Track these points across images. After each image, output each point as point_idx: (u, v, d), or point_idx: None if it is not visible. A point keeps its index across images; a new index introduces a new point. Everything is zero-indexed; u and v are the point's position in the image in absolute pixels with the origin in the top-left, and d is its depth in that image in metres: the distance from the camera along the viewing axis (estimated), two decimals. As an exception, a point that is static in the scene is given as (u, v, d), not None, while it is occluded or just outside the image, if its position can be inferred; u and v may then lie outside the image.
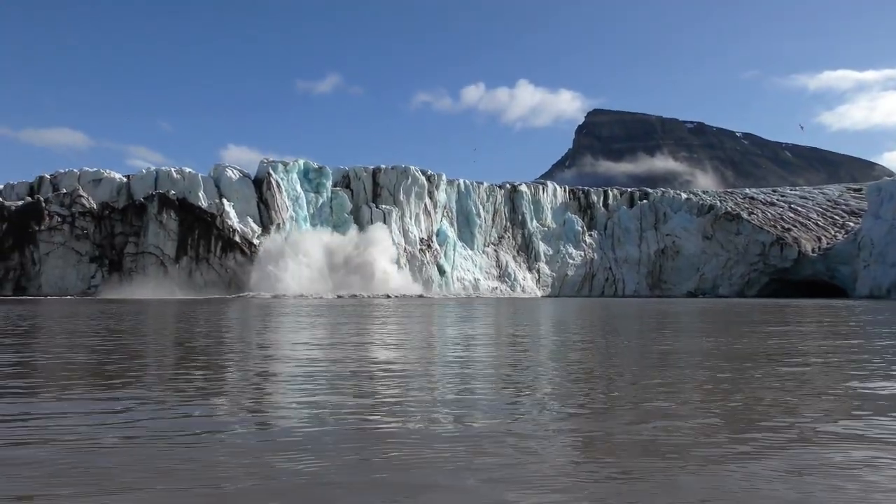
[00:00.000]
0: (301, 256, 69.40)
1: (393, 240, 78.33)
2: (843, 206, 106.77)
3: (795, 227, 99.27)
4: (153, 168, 73.58)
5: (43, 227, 65.33)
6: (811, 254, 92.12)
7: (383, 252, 74.65)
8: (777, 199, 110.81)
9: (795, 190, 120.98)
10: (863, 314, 29.35)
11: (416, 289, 72.87)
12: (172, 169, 72.31)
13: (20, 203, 66.58)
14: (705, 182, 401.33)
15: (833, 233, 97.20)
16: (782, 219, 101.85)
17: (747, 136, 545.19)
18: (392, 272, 74.23)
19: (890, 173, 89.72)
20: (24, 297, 58.78)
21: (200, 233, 68.22)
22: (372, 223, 79.51)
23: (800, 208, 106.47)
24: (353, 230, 77.18)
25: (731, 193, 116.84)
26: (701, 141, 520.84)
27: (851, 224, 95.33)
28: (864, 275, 77.60)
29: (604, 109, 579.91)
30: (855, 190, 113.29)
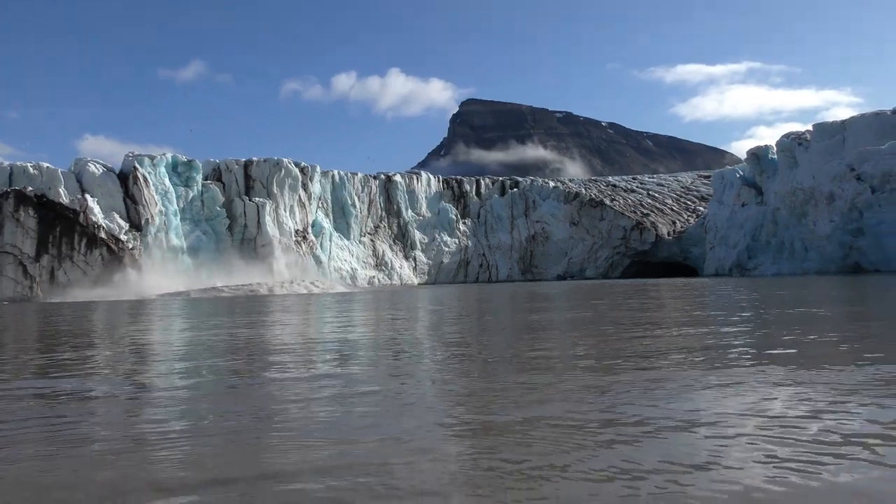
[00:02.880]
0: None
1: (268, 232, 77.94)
2: (695, 193, 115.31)
3: (653, 212, 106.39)
4: (7, 163, 69.49)
5: None
6: (667, 237, 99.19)
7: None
8: (637, 187, 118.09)
9: (654, 177, 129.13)
10: (694, 288, 32.89)
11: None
12: (29, 164, 68.63)
13: None
14: (574, 170, 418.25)
15: (686, 217, 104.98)
16: (641, 205, 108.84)
17: (612, 125, 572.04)
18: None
19: (738, 160, 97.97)
20: None
21: (63, 230, 65.20)
22: (245, 216, 78.62)
23: (657, 194, 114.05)
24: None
25: (596, 181, 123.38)
26: (569, 130, 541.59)
27: (702, 209, 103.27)
28: (710, 256, 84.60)
29: (477, 99, 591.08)
30: (705, 177, 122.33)
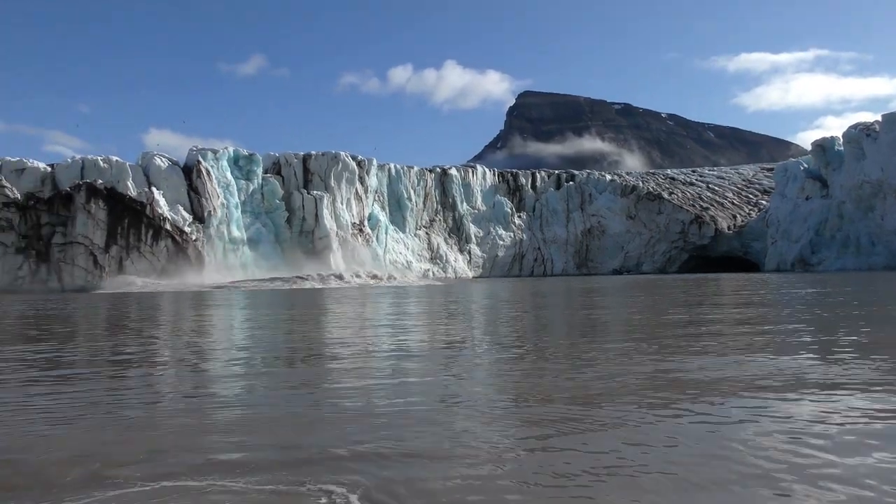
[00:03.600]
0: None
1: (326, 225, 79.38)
2: (757, 186, 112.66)
3: (713, 206, 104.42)
4: (78, 157, 72.41)
5: (-35, 220, 63.86)
6: (727, 231, 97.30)
7: None
8: (696, 180, 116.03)
9: (714, 170, 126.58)
10: (761, 286, 32.36)
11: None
12: (99, 158, 71.38)
13: (-61, 194, 64.82)
14: (632, 162, 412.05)
15: (747, 211, 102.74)
16: (700, 198, 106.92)
17: (672, 116, 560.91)
18: None
19: (804, 152, 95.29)
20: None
21: (130, 222, 67.78)
22: (304, 209, 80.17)
23: (717, 188, 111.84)
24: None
25: (654, 174, 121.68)
26: (628, 122, 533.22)
27: (764, 202, 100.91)
28: (771, 250, 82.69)
29: (534, 91, 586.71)
30: (768, 170, 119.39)
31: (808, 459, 3.92)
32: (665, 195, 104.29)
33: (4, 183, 66.40)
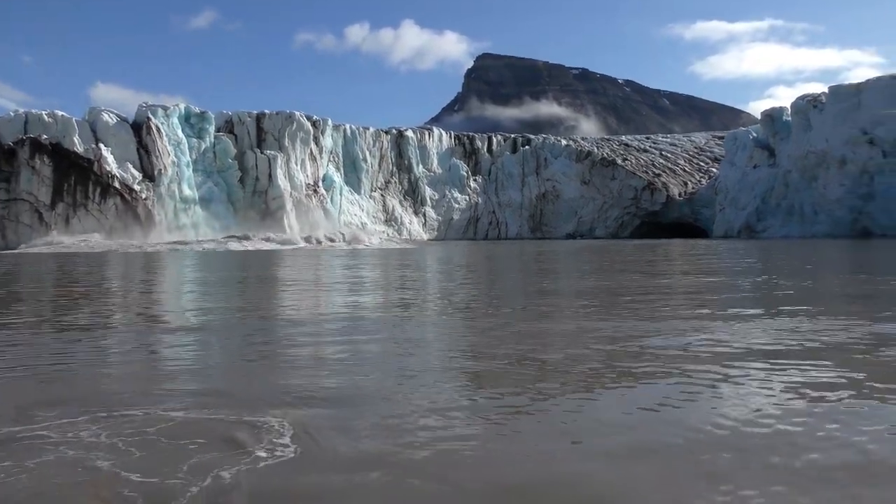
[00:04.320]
0: None
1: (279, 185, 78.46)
2: (708, 153, 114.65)
3: (665, 172, 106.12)
4: (22, 111, 69.99)
5: None
6: (678, 198, 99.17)
7: None
8: (649, 146, 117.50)
9: (667, 137, 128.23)
10: (703, 251, 33.32)
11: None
12: (44, 112, 69.05)
13: None
14: (589, 127, 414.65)
15: (698, 178, 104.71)
16: (653, 165, 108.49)
17: (629, 83, 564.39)
18: None
19: (755, 121, 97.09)
20: None
21: (77, 179, 65.99)
22: (257, 169, 79.07)
23: (669, 155, 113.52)
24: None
25: (608, 140, 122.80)
26: (585, 87, 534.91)
27: (714, 170, 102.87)
28: (719, 217, 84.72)
29: (492, 54, 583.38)
30: (719, 138, 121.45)
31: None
32: (619, 161, 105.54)
33: (-57, 136, 63.96)
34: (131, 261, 32.32)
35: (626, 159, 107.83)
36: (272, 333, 8.11)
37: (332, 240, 62.74)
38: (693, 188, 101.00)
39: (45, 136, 66.40)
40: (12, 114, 69.92)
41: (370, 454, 3.47)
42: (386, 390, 4.89)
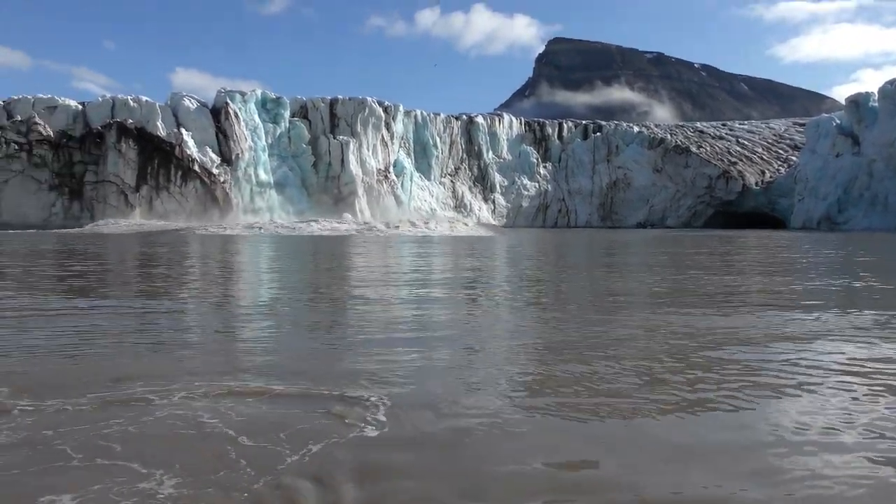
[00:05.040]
0: None
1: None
2: (788, 141, 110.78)
3: (741, 160, 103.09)
4: (109, 96, 73.26)
5: (0, 155, 65.26)
6: (754, 187, 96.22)
7: None
8: (725, 133, 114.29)
9: (744, 124, 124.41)
10: (782, 246, 32.51)
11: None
12: (129, 97, 72.08)
13: (-26, 131, 66.18)
14: (662, 113, 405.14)
15: (776, 167, 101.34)
16: (729, 152, 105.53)
17: (705, 67, 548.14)
18: None
19: (839, 107, 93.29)
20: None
21: (160, 162, 68.87)
22: (330, 154, 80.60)
23: (746, 142, 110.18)
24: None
25: (682, 127, 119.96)
26: (659, 72, 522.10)
27: (794, 158, 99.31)
28: (798, 207, 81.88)
29: (564, 38, 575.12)
30: (800, 125, 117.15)
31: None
32: (693, 148, 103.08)
33: (38, 120, 67.51)
34: (213, 242, 33.68)
35: (701, 147, 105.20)
36: (354, 315, 8.56)
37: (400, 225, 63.48)
38: (771, 177, 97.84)
39: (130, 121, 69.33)
40: (100, 98, 73.22)
41: (456, 429, 3.80)
42: (460, 372, 5.23)
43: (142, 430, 3.75)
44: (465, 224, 63.91)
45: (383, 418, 3.98)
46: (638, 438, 3.75)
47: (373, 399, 4.32)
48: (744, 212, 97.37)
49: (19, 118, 67.60)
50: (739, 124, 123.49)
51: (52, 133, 67.68)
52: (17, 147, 66.20)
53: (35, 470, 3.23)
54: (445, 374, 5.26)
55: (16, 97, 70.89)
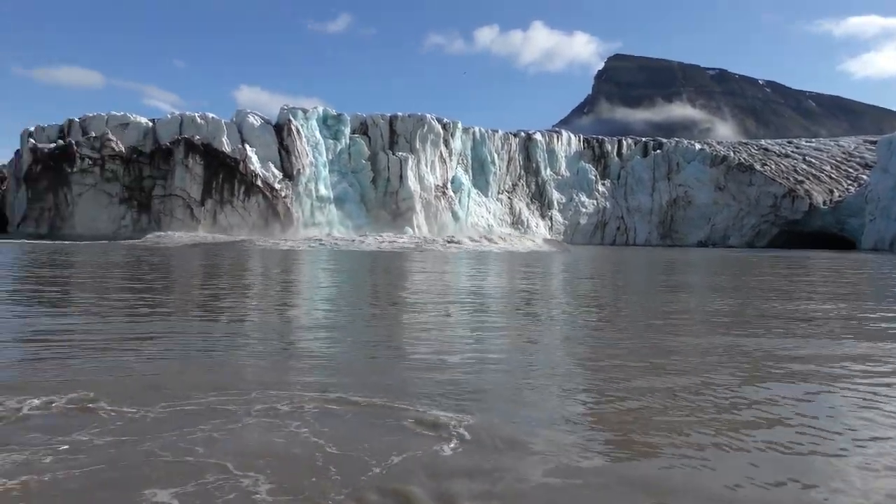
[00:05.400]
0: None
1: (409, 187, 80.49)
2: (858, 159, 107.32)
3: (808, 179, 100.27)
4: (178, 113, 75.70)
5: (75, 170, 68.14)
6: (822, 206, 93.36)
7: None
8: (791, 151, 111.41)
9: (811, 142, 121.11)
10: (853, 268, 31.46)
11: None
12: (196, 114, 74.35)
13: (52, 146, 69.23)
14: (724, 131, 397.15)
15: (846, 185, 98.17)
16: (795, 171, 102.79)
17: (770, 83, 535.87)
18: None
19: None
20: (62, 240, 61.90)
21: (224, 177, 70.79)
22: (389, 170, 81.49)
23: (814, 160, 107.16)
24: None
25: (746, 144, 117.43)
26: (722, 88, 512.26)
27: (864, 177, 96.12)
28: (869, 228, 79.11)
29: (624, 55, 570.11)
30: (871, 142, 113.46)
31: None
32: (757, 166, 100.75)
33: (111, 136, 70.24)
34: (276, 256, 34.39)
35: (766, 164, 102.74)
36: (428, 332, 8.65)
37: (459, 241, 63.61)
38: (839, 196, 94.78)
39: (197, 137, 71.48)
40: (169, 115, 75.74)
41: (534, 444, 3.82)
42: (530, 387, 5.24)
43: (231, 436, 3.88)
44: (533, 241, 63.68)
45: (463, 434, 4.03)
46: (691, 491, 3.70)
47: (451, 420, 4.37)
48: (810, 231, 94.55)
49: (93, 134, 70.46)
50: (806, 142, 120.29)
51: (123, 149, 70.30)
52: (90, 162, 68.99)
53: (129, 465, 3.38)
54: (520, 396, 5.27)
55: (90, 114, 73.91)
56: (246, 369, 6.03)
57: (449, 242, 56.46)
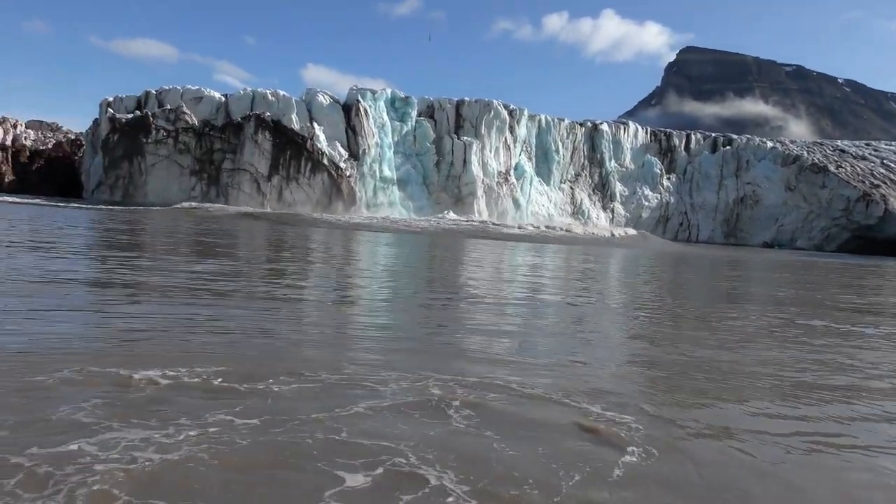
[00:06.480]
0: None
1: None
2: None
3: (885, 183, 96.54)
4: (249, 89, 77.18)
5: (150, 140, 70.38)
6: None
7: None
8: (869, 154, 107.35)
9: (891, 145, 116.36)
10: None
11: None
12: (268, 91, 75.72)
13: (130, 116, 71.56)
14: (798, 130, 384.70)
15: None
16: (872, 174, 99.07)
17: (850, 82, 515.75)
18: None
19: None
20: (134, 206, 64.08)
21: (292, 154, 72.09)
22: (453, 154, 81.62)
23: (892, 164, 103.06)
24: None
25: (821, 144, 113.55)
26: (798, 85, 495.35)
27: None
28: (948, 237, 75.77)
29: (696, 47, 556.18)
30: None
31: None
32: (831, 168, 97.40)
33: (185, 110, 72.17)
34: (341, 234, 34.97)
35: (840, 166, 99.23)
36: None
37: (520, 227, 63.51)
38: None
39: (267, 114, 72.86)
40: (241, 92, 77.29)
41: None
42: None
43: (377, 413, 4.14)
44: (622, 232, 63.56)
45: (634, 438, 4.20)
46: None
47: (623, 420, 4.51)
48: (885, 238, 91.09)
49: (169, 107, 72.50)
50: (886, 145, 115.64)
51: (196, 122, 72.16)
52: (165, 133, 71.08)
53: (296, 444, 3.62)
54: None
55: (167, 87, 75.98)
56: (378, 346, 6.26)
57: (496, 227, 56.48)
